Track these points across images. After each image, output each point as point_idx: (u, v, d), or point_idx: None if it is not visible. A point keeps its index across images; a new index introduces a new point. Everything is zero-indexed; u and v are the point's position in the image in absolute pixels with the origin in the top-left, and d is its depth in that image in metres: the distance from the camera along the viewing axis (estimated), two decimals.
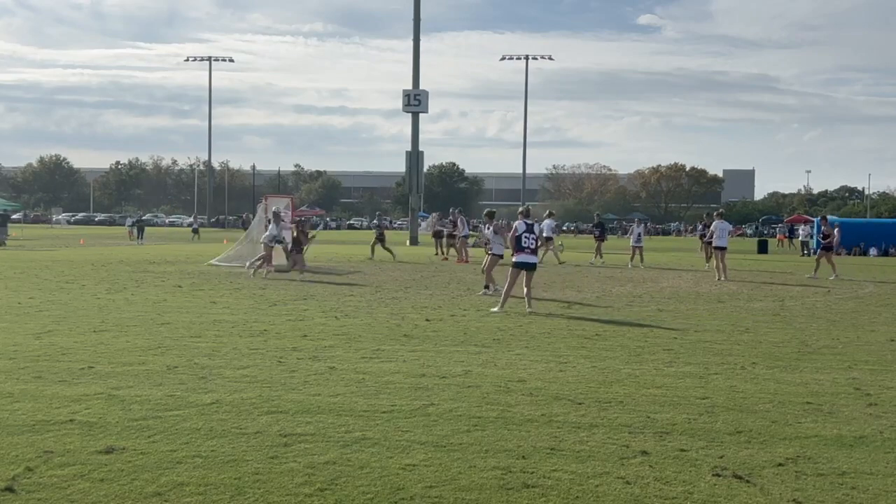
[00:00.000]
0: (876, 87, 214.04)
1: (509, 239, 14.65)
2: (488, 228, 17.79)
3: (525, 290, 13.95)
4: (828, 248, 23.11)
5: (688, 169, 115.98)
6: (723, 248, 21.91)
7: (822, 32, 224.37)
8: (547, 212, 29.42)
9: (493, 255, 16.75)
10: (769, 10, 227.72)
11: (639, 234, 27.38)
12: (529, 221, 14.29)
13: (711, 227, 22.81)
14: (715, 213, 23.71)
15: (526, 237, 13.99)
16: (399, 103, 48.60)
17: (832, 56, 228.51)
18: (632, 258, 26.73)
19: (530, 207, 14.98)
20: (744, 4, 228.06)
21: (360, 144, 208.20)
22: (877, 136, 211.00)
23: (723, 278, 21.16)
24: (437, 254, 31.69)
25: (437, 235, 33.26)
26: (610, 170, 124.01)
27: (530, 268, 14.07)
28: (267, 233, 23.32)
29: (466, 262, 27.25)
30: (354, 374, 8.10)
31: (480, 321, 12.26)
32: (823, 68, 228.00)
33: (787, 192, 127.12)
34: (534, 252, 14.18)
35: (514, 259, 14.14)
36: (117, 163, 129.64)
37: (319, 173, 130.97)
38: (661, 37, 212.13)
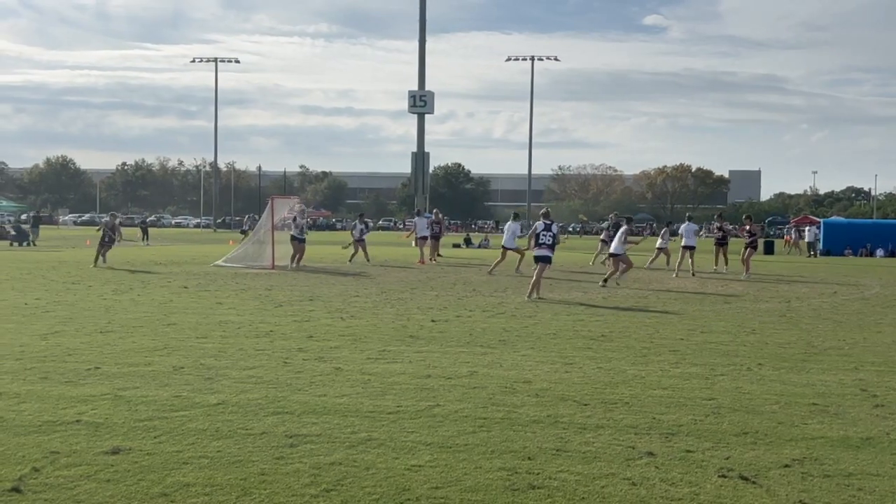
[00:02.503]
0: (883, 88, 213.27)
1: (529, 235, 17.03)
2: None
3: (535, 279, 16.02)
4: (751, 247, 23.79)
5: (693, 170, 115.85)
6: (692, 248, 23.30)
7: (830, 33, 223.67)
8: (626, 218, 28.33)
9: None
10: (776, 11, 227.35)
11: (669, 235, 26.77)
12: (549, 221, 16.31)
13: (680, 230, 23.80)
14: (687, 216, 24.63)
15: (544, 234, 16.14)
16: (406, 104, 48.54)
17: (840, 56, 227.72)
18: (667, 261, 25.85)
19: (549, 209, 17.29)
20: (751, 5, 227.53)
21: (367, 145, 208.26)
22: (884, 136, 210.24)
23: (679, 275, 22.36)
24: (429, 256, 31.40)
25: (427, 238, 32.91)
26: (615, 170, 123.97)
27: (545, 261, 16.08)
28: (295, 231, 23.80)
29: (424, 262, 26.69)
30: (360, 375, 8.11)
31: (486, 322, 12.25)
32: (831, 69, 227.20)
33: (793, 192, 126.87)
34: (550, 248, 16.15)
35: (534, 253, 16.38)
36: (123, 164, 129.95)
37: (325, 174, 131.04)
38: (668, 37, 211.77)
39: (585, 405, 7.01)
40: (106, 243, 24.24)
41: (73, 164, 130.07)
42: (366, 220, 28.94)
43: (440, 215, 29.76)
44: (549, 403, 7.05)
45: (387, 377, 8.04)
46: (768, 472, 5.30)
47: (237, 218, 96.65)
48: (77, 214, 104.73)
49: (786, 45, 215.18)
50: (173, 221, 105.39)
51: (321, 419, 6.41)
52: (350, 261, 26.22)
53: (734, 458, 5.60)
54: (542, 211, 17.07)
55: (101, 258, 23.69)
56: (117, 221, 25.78)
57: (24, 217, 47.85)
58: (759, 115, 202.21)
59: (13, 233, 39.51)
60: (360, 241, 26.72)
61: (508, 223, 23.31)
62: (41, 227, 42.57)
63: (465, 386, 7.69)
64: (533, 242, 16.56)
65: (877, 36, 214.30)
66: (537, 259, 16.16)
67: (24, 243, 37.93)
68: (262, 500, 4.71)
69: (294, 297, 15.56)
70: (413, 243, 31.02)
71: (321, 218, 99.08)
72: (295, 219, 24.22)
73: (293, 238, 23.94)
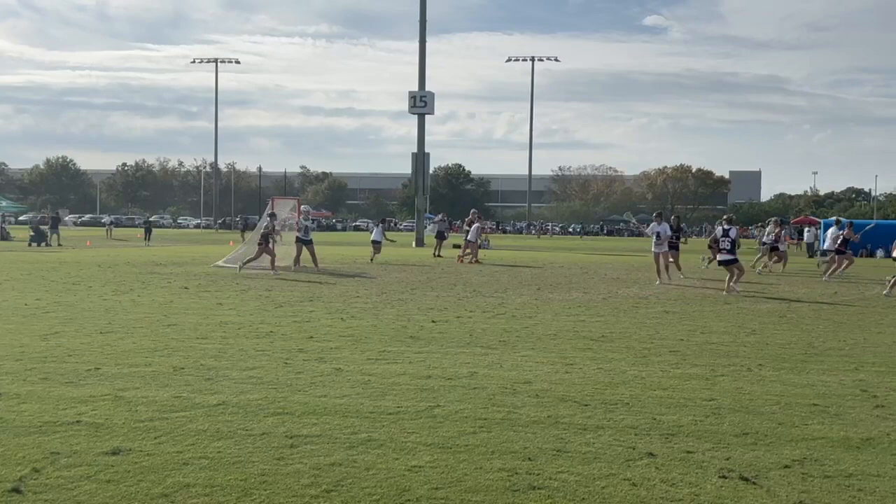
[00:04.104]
0: (886, 89, 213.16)
1: (710, 241, 18.92)
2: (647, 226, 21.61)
3: (728, 279, 17.96)
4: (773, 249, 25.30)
5: (694, 170, 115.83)
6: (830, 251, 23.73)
7: (833, 33, 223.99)
8: (836, 218, 27.30)
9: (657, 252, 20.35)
10: (779, 11, 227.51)
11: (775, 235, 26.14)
12: (727, 227, 18.12)
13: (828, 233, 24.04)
14: (835, 219, 24.44)
15: (723, 240, 17.94)
16: (407, 105, 48.53)
17: (843, 57, 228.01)
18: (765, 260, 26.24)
19: (733, 216, 19.11)
20: (752, 5, 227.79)
21: (368, 146, 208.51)
22: (885, 137, 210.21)
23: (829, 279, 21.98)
24: (436, 254, 32.03)
25: (440, 237, 33.62)
26: (616, 171, 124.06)
27: (730, 263, 17.88)
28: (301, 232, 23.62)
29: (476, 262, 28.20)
30: (360, 376, 8.11)
31: (486, 323, 12.25)
32: (834, 69, 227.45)
33: (793, 193, 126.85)
34: (730, 252, 17.85)
35: (719, 258, 18.25)
36: (124, 164, 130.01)
37: (325, 175, 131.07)
38: (670, 38, 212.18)
39: (586, 406, 7.01)
40: (271, 247, 21.92)
41: (74, 164, 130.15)
42: (383, 223, 31.48)
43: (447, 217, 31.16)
44: (549, 404, 7.05)
45: (387, 378, 8.04)
46: (769, 473, 5.30)
47: (236, 219, 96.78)
48: (77, 215, 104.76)
49: (788, 45, 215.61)
50: (173, 222, 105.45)
51: (321, 420, 6.41)
52: (371, 260, 27.54)
53: (734, 458, 5.60)
54: (725, 216, 18.76)
55: (250, 262, 21.40)
56: (276, 223, 23.44)
57: (41, 216, 48.74)
58: (762, 115, 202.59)
59: (31, 233, 39.63)
60: (376, 243, 28.59)
61: (652, 224, 21.13)
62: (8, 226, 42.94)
63: (465, 387, 7.69)
64: (714, 248, 18.36)
65: (880, 37, 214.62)
66: (722, 263, 18.04)
67: (43, 244, 38.03)
68: (263, 500, 4.71)
69: (294, 297, 15.56)
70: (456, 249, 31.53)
71: (322, 219, 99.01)
72: (298, 221, 24.23)
73: (298, 239, 23.97)
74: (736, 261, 18.06)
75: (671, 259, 21.59)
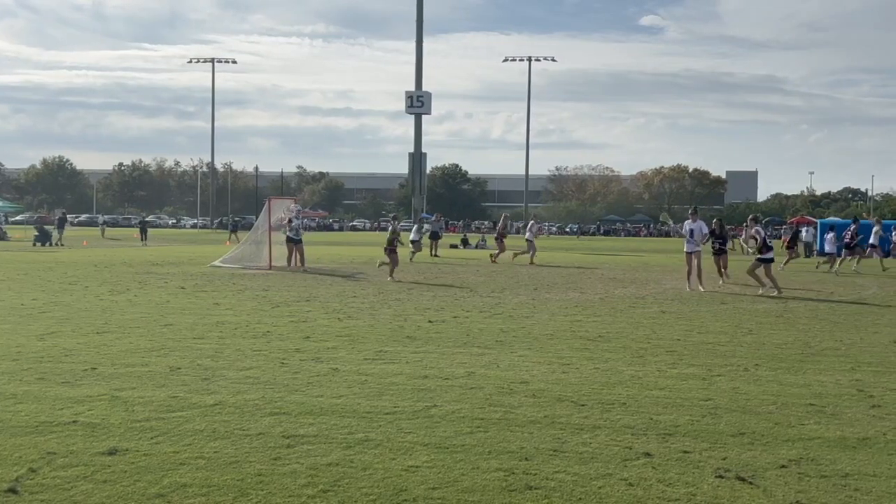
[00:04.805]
0: (883, 89, 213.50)
1: (759, 246, 18.24)
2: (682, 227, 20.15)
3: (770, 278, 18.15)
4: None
5: (690, 170, 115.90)
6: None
7: (831, 33, 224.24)
8: None
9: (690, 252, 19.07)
10: (776, 12, 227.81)
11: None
12: (762, 227, 18.40)
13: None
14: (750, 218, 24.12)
15: (768, 238, 18.20)
16: (404, 104, 48.56)
17: (840, 57, 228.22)
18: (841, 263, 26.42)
19: (759, 215, 19.74)
20: (751, 5, 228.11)
21: (365, 146, 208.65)
22: (882, 137, 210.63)
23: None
24: (432, 254, 32.15)
25: (434, 237, 33.75)
26: (612, 171, 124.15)
27: (771, 261, 18.22)
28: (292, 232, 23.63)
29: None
30: (357, 376, 8.11)
31: (483, 323, 12.25)
32: (831, 69, 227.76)
33: (790, 193, 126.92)
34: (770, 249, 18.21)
35: (765, 256, 18.03)
36: (120, 164, 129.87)
37: (322, 174, 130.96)
38: (668, 38, 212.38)
39: (582, 406, 7.02)
40: (393, 251, 20.89)
41: (70, 164, 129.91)
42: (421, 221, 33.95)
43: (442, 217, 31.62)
44: (546, 404, 7.05)
45: (384, 378, 8.04)
46: (765, 473, 5.30)
47: (235, 219, 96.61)
48: (74, 215, 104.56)
49: (786, 45, 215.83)
50: (170, 222, 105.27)
51: (318, 420, 6.41)
52: (410, 260, 27.75)
53: (731, 458, 5.60)
54: (751, 216, 19.32)
55: (392, 269, 20.69)
56: (399, 226, 22.77)
57: (38, 216, 48.87)
58: (759, 115, 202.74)
59: (36, 233, 39.45)
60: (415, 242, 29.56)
61: (686, 222, 19.61)
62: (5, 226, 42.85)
63: (462, 386, 7.69)
64: (763, 247, 18.00)
65: (878, 37, 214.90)
66: (768, 261, 18.00)
67: (47, 243, 37.83)
68: (260, 500, 4.71)
69: (291, 297, 15.55)
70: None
71: (318, 219, 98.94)
72: (290, 220, 24.24)
73: (289, 239, 23.96)
74: (773, 260, 18.51)
75: (717, 263, 20.49)
